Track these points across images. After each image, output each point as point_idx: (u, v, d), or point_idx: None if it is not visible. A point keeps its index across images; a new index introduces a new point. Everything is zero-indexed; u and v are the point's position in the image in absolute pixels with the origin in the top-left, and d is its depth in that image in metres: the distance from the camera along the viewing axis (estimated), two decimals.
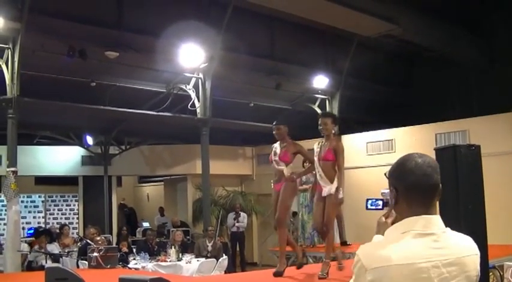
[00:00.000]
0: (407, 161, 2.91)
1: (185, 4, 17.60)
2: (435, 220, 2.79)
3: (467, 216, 8.35)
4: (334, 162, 9.56)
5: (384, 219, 3.02)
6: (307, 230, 15.68)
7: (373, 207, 3.34)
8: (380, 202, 3.11)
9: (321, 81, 20.72)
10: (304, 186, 15.32)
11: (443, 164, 9.30)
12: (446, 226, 2.81)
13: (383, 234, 2.87)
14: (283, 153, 10.10)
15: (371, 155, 21.16)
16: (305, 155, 10.65)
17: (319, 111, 21.75)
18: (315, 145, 9.93)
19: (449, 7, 20.48)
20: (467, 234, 2.86)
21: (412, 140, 20.14)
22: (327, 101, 21.90)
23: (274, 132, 10.21)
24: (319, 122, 9.67)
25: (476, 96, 21.63)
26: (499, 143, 18.21)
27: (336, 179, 9.44)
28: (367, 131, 21.58)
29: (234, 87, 19.61)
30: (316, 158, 9.70)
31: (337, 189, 9.33)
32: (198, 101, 18.17)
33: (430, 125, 19.92)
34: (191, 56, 17.04)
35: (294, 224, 18.19)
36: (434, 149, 9.30)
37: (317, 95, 21.60)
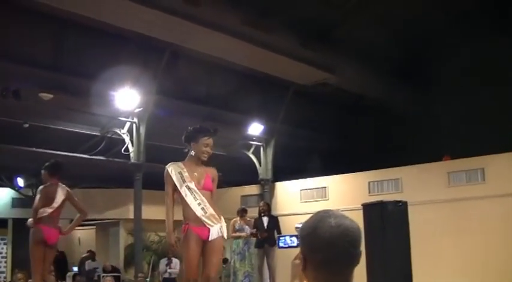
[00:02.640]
0: (319, 229, 2.31)
1: (122, 48, 17.57)
2: None
3: (394, 270, 8.45)
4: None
5: (298, 260, 2.59)
6: (238, 277, 15.57)
7: (285, 246, 2.81)
8: (294, 239, 2.48)
9: (256, 128, 20.82)
10: (238, 234, 15.27)
11: (370, 220, 9.44)
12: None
13: (300, 280, 2.58)
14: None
15: (305, 203, 21.27)
16: (47, 196, 9.10)
17: (253, 158, 21.83)
18: (174, 168, 7.48)
19: (385, 57, 20.83)
20: None
21: (345, 188, 20.35)
22: (262, 148, 21.97)
23: None
24: (206, 142, 7.45)
25: (410, 145, 21.92)
26: (431, 191, 18.58)
27: (221, 216, 7.46)
28: (301, 178, 21.73)
29: (169, 132, 19.54)
30: (192, 185, 7.33)
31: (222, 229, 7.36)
32: (132, 145, 18.07)
33: (364, 173, 20.16)
34: (126, 100, 17.00)
35: (225, 270, 18.10)
36: (361, 205, 9.45)
37: (252, 142, 21.66)
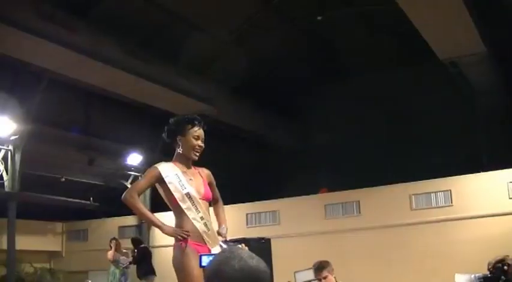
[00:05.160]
0: (221, 272, 2.21)
1: None
2: None
3: None
4: None
5: None
6: None
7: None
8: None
9: (134, 158, 20.66)
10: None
11: None
12: None
13: None
14: None
15: None
16: None
17: None
18: (167, 167, 5.91)
19: (263, 91, 21.08)
20: None
21: None
22: (140, 178, 21.74)
23: None
24: (196, 133, 6.19)
25: (287, 177, 22.16)
26: (308, 223, 18.84)
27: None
28: None
29: (46, 161, 19.15)
30: (193, 193, 5.85)
31: None
32: (7, 173, 17.59)
33: (242, 205, 20.23)
34: (1, 127, 16.57)
35: None
36: (221, 242, 9.52)
37: (130, 172, 21.42)
